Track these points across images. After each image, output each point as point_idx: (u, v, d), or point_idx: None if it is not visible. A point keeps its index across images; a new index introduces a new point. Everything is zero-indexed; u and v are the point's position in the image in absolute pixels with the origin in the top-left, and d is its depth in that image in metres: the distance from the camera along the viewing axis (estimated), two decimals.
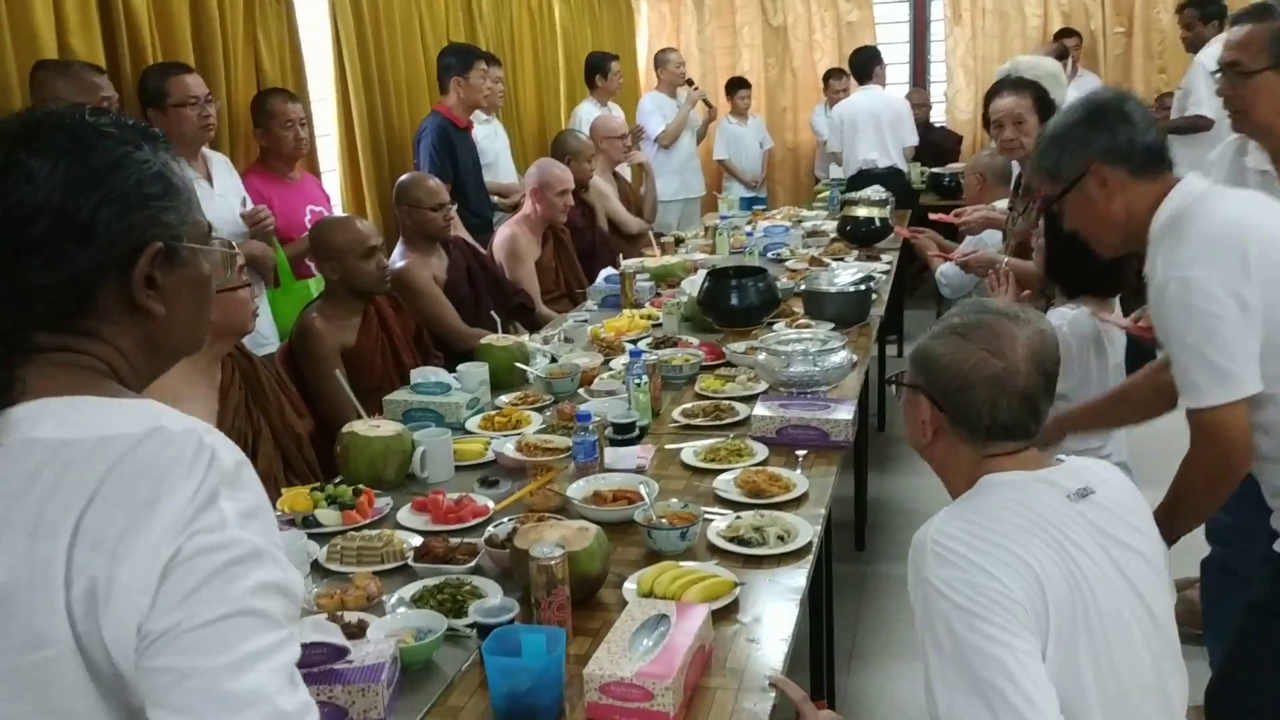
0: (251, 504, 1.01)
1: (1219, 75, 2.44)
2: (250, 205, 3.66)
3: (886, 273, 4.55)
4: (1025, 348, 1.59)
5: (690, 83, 7.40)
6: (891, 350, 6.33)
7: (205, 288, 1.16)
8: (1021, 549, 1.46)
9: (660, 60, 7.40)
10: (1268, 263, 1.81)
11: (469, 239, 4.52)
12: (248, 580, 0.97)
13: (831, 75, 7.97)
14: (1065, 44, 7.17)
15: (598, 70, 6.57)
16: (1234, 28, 2.35)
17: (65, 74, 2.78)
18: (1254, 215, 1.88)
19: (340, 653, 1.60)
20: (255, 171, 3.94)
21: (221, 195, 3.56)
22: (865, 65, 7.00)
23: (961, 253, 3.97)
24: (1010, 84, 3.82)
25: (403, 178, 4.07)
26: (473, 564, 2.02)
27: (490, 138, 5.50)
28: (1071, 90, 7.19)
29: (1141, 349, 3.48)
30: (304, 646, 1.57)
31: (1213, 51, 4.66)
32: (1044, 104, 3.66)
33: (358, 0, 4.64)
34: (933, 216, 4.45)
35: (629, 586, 1.91)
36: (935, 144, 7.78)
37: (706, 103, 7.50)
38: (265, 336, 3.65)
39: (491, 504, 2.34)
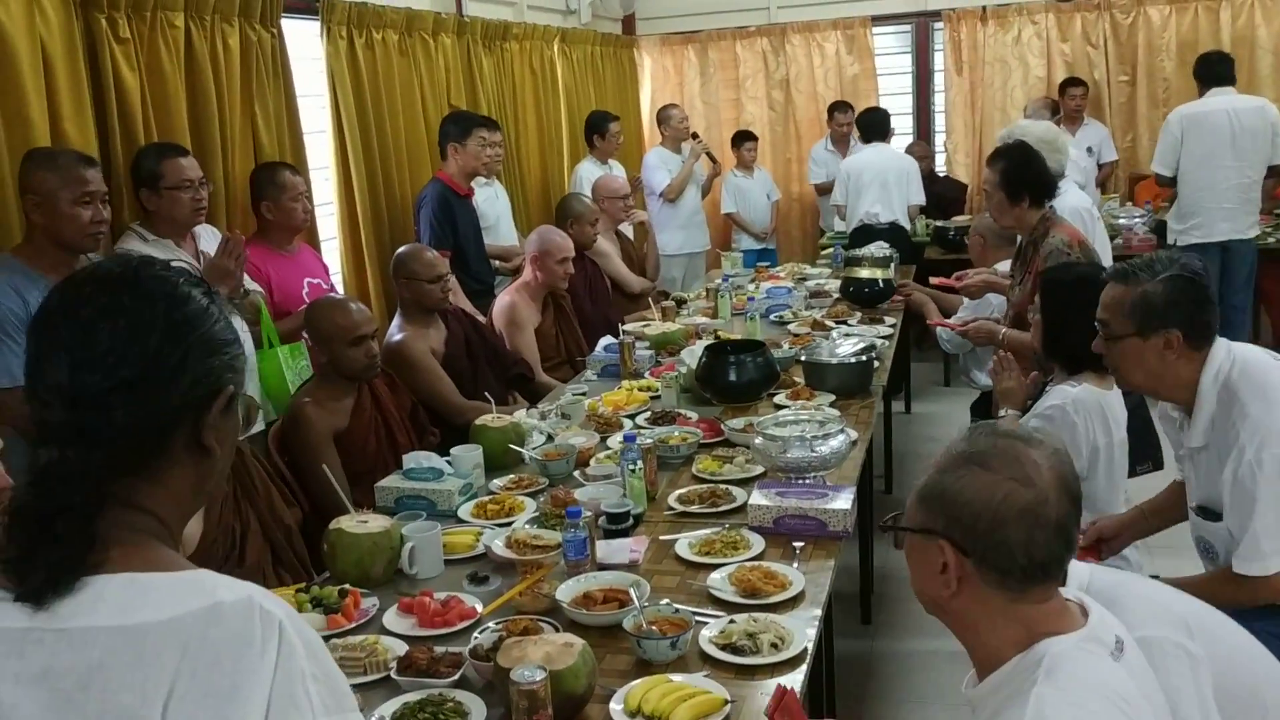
0: (325, 667, 1.05)
1: None
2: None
3: (890, 337, 4.50)
4: (1051, 472, 1.44)
5: (695, 136, 7.40)
6: (899, 407, 6.27)
7: (237, 433, 1.21)
8: None
9: (663, 117, 7.41)
10: None
11: (468, 308, 4.49)
12: None
13: (836, 109, 7.96)
14: (1055, 99, 7.16)
15: (596, 130, 6.58)
16: (1105, 287, 2.43)
17: (52, 165, 2.78)
18: None
19: None
20: (252, 245, 3.91)
21: None
22: (877, 125, 7.01)
23: (960, 319, 3.93)
24: (992, 154, 3.84)
25: (400, 250, 4.06)
26: (456, 677, 1.97)
27: (491, 200, 5.50)
28: (1081, 136, 7.21)
29: (1141, 417, 3.44)
30: None
31: None
32: (1009, 178, 3.64)
33: (356, 67, 4.65)
34: (934, 281, 4.40)
35: (615, 707, 1.85)
36: (940, 194, 7.75)
37: (710, 156, 7.50)
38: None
39: (480, 605, 2.29)
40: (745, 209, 7.99)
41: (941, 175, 8.29)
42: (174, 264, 1.18)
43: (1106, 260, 4.13)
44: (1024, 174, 3.63)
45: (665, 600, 2.21)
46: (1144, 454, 3.60)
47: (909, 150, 7.82)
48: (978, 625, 1.45)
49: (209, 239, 3.55)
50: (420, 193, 4.82)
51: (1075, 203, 4.08)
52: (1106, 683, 1.37)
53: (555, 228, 4.84)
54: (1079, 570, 1.68)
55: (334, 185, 4.63)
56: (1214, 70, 6.07)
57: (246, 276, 3.70)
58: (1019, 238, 3.98)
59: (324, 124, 4.61)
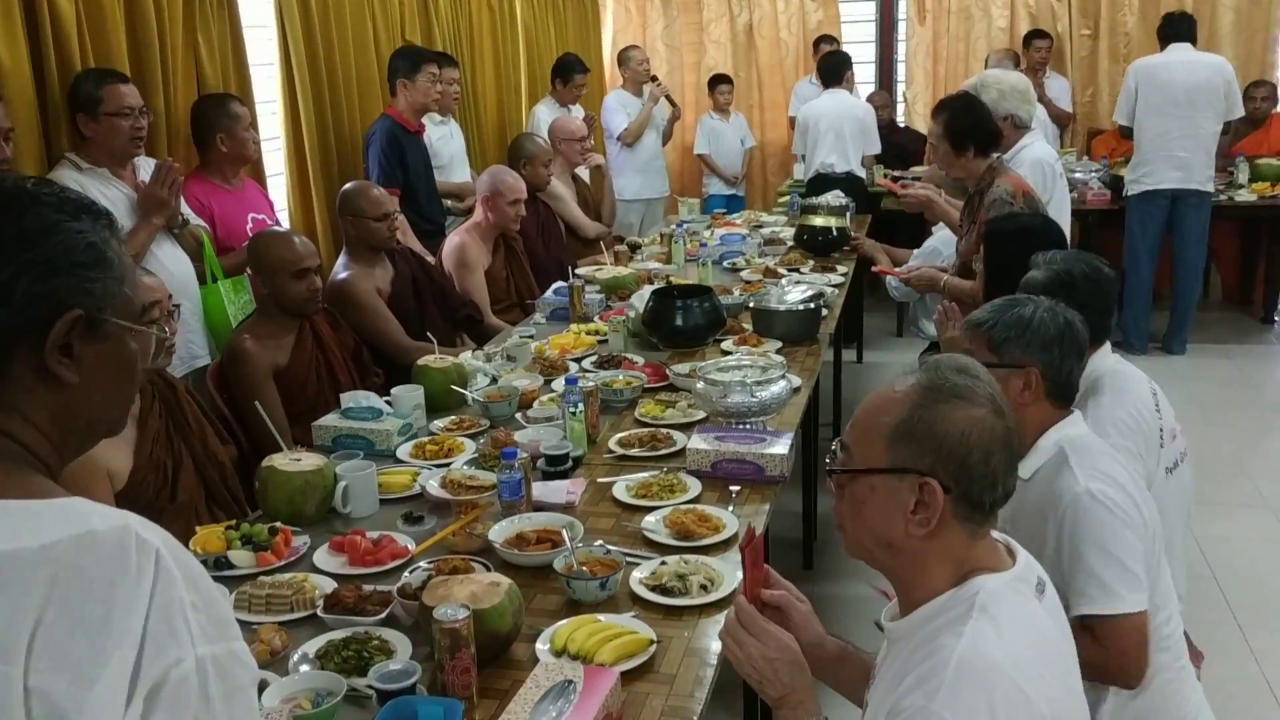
0: (206, 596, 1.01)
1: None
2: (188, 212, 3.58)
3: (840, 286, 4.50)
4: (1005, 402, 1.45)
5: (655, 79, 7.32)
6: (850, 356, 6.30)
7: (128, 367, 1.13)
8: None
9: (623, 58, 7.32)
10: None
11: (417, 247, 4.44)
12: (240, 699, 1.00)
13: (823, 40, 7.90)
14: (1017, 51, 7.14)
15: (561, 75, 6.48)
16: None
17: None
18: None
19: None
20: (195, 178, 3.84)
21: None
22: (835, 70, 6.95)
23: (908, 268, 3.94)
24: (937, 105, 3.86)
25: (346, 187, 3.98)
26: (383, 615, 1.96)
27: (445, 139, 5.41)
28: (1049, 88, 7.21)
29: None
30: None
31: None
32: (953, 128, 3.65)
33: None
34: (879, 181, 4.37)
35: (541, 646, 1.85)
36: (900, 145, 7.74)
37: (670, 100, 7.42)
38: (198, 348, 3.56)
39: (413, 545, 2.28)
40: (718, 153, 7.96)
41: (901, 126, 8.27)
42: (44, 183, 1.12)
43: (1065, 215, 4.14)
44: (968, 124, 3.64)
45: (599, 542, 2.21)
46: None
47: (870, 100, 7.79)
48: (928, 564, 1.42)
49: (150, 170, 3.46)
50: (369, 129, 4.73)
51: (1039, 155, 4.08)
52: (1033, 623, 1.40)
53: (508, 168, 4.77)
54: None
55: (281, 120, 4.53)
56: (1175, 28, 6.16)
57: (189, 210, 3.64)
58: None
59: (271, 56, 4.49)
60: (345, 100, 4.83)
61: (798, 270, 4.75)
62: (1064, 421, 2.07)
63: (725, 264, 4.96)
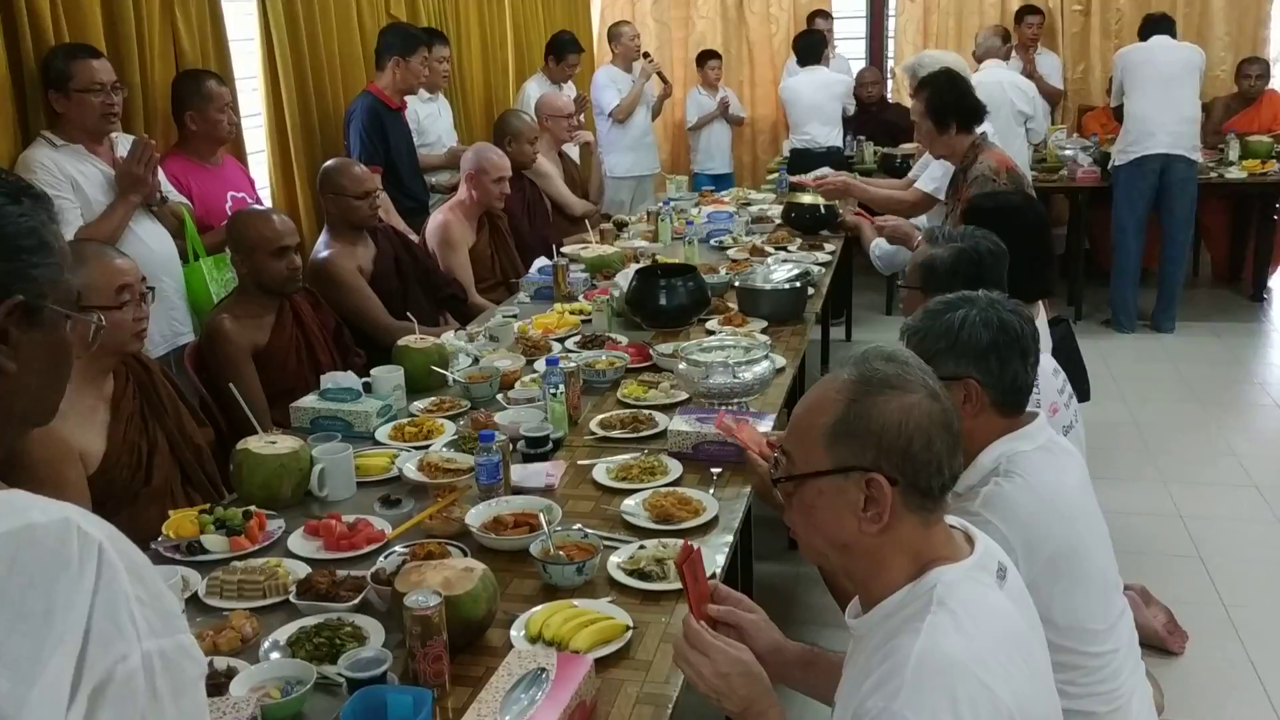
0: (152, 589, 0.97)
1: None
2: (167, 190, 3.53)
3: (828, 264, 4.47)
4: (939, 384, 1.42)
5: (646, 56, 7.25)
6: (839, 334, 6.27)
7: (63, 354, 1.10)
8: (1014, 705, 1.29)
9: (614, 34, 7.24)
10: None
11: (400, 225, 4.39)
12: (189, 692, 0.97)
13: (818, 15, 7.87)
14: (1007, 28, 7.10)
15: (555, 53, 6.42)
16: None
17: None
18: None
19: None
20: (174, 156, 3.78)
21: None
22: (812, 49, 6.94)
23: (882, 221, 3.98)
24: (918, 84, 3.87)
25: (327, 164, 3.93)
26: (356, 601, 1.93)
27: (433, 117, 5.35)
28: (1040, 65, 7.17)
29: (1068, 349, 3.46)
30: None
31: None
32: (934, 105, 3.65)
33: None
34: (797, 179, 4.34)
35: (515, 633, 1.83)
36: (889, 122, 7.67)
37: (661, 77, 7.35)
38: (181, 325, 3.52)
39: (389, 529, 2.25)
40: (706, 130, 7.91)
41: (891, 103, 8.21)
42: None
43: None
44: (950, 100, 3.61)
45: (577, 525, 2.18)
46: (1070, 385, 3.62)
47: (859, 76, 7.75)
48: (885, 559, 1.38)
49: (128, 148, 3.41)
50: (350, 105, 4.67)
51: None
52: (995, 613, 1.37)
53: (493, 145, 4.71)
54: None
55: (262, 96, 4.46)
56: (1155, 27, 6.31)
57: (171, 187, 3.58)
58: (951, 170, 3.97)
59: (252, 31, 4.43)
60: (328, 76, 4.77)
61: (785, 249, 4.72)
62: (1014, 434, 1.91)
63: (712, 242, 4.92)
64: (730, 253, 4.69)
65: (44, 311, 1.05)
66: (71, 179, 3.21)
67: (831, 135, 6.88)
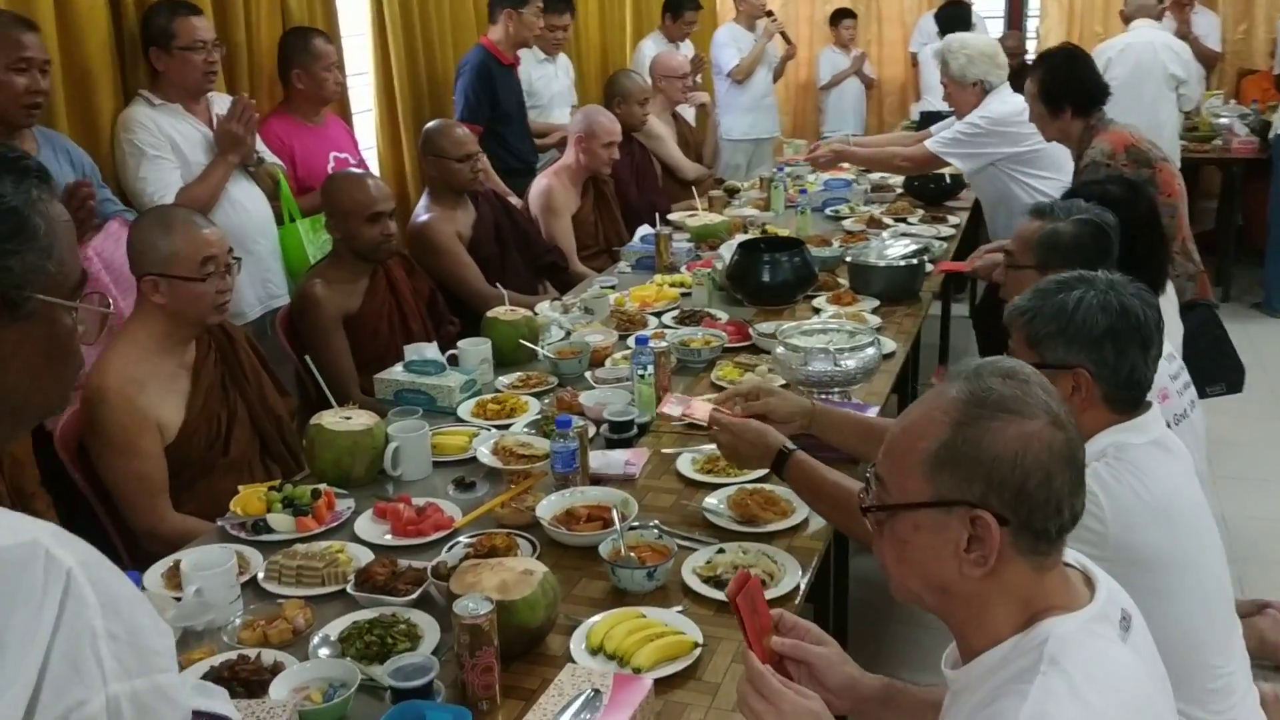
0: (130, 623, 0.88)
1: None
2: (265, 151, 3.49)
3: (951, 238, 4.20)
4: (1061, 405, 1.22)
5: (770, 14, 6.98)
6: (960, 310, 5.95)
7: (60, 345, 1.01)
8: None
9: None
10: None
11: (500, 188, 4.28)
12: None
13: None
14: None
15: (671, 9, 6.22)
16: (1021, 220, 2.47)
17: None
18: None
19: None
20: (277, 115, 3.75)
21: None
22: (957, 20, 6.59)
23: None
24: (1033, 63, 3.74)
25: (428, 125, 3.85)
26: (414, 597, 1.83)
27: (547, 79, 5.23)
28: (1196, 25, 6.66)
29: (1211, 336, 3.16)
30: None
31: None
32: (1047, 87, 3.41)
33: None
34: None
35: (576, 645, 1.70)
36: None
37: (785, 37, 7.07)
38: (276, 287, 3.49)
39: (459, 515, 2.14)
40: (837, 90, 7.63)
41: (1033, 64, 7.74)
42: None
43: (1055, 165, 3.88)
44: (1063, 81, 3.36)
45: (653, 522, 2.05)
46: (1214, 374, 3.31)
47: (1001, 42, 7.31)
48: (989, 607, 1.20)
49: (224, 107, 3.37)
50: (462, 59, 4.56)
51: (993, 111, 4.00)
52: (1118, 676, 1.16)
53: (602, 108, 4.56)
54: None
55: (370, 53, 4.40)
56: None
57: (267, 149, 3.55)
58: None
59: None
60: (438, 33, 4.68)
61: (905, 220, 4.46)
62: (1123, 425, 1.72)
63: (828, 211, 4.69)
64: (846, 224, 4.45)
65: (25, 303, 0.96)
66: (170, 138, 3.19)
67: None
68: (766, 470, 2.16)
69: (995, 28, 7.79)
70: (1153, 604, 1.57)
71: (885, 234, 4.01)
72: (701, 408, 2.23)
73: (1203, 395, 2.86)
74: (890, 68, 8.28)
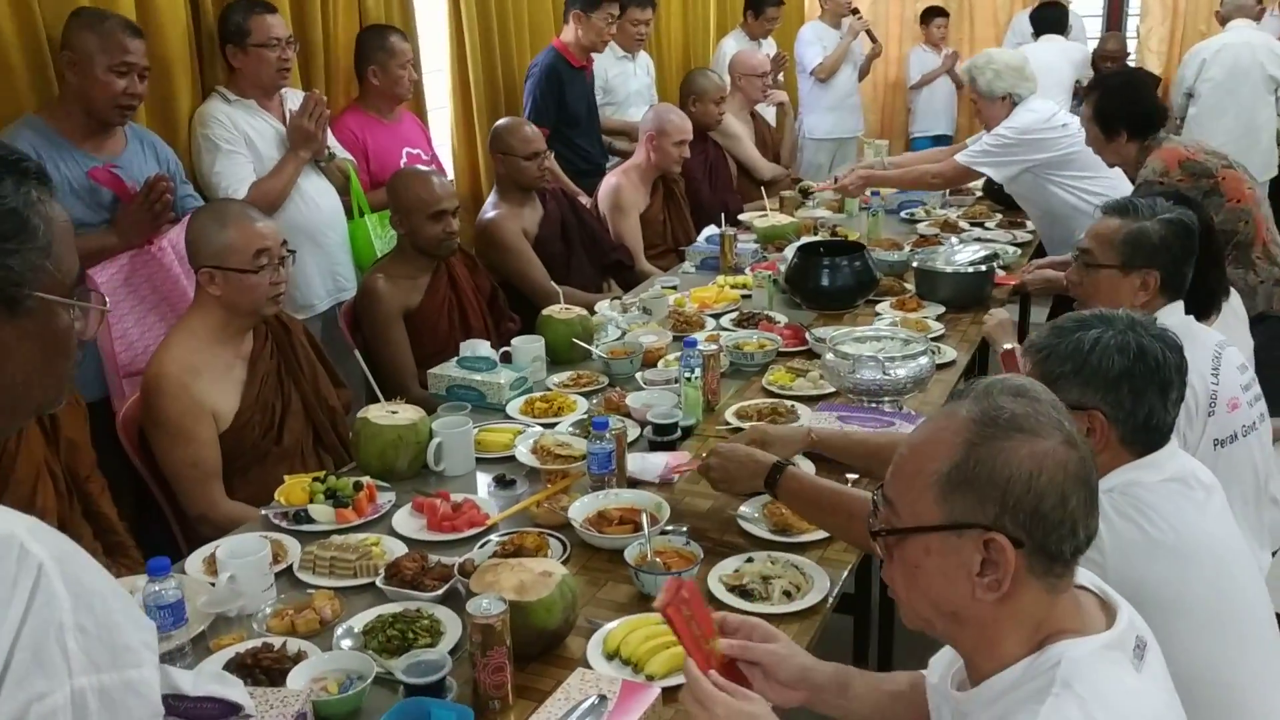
0: (103, 619, 0.90)
1: None
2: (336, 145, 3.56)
3: (1026, 244, 4.09)
4: (1072, 423, 1.19)
5: (855, 11, 6.88)
6: (1039, 315, 5.78)
7: (59, 342, 1.04)
8: None
9: None
10: None
11: (569, 186, 4.30)
12: None
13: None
14: None
15: (752, 7, 6.17)
16: (1099, 215, 2.41)
17: (96, 27, 2.67)
18: None
19: (233, 710, 1.45)
20: (351, 111, 3.82)
21: None
22: (1052, 22, 6.41)
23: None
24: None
25: (498, 123, 3.88)
26: (440, 593, 1.85)
27: (623, 77, 5.21)
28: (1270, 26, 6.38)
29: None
30: (193, 700, 1.44)
31: None
32: (1102, 110, 3.31)
33: None
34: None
35: (593, 649, 1.70)
36: None
37: (870, 35, 6.97)
38: (345, 280, 3.55)
39: (495, 512, 2.16)
40: (928, 90, 7.51)
41: (1133, 67, 7.48)
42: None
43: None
44: (1119, 104, 3.28)
45: (685, 528, 2.03)
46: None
47: (1100, 48, 7.08)
48: (1001, 631, 1.17)
49: (297, 103, 3.45)
50: (533, 60, 4.59)
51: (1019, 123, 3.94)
52: (1131, 702, 1.13)
53: (674, 107, 4.54)
54: None
55: (447, 50, 4.46)
56: None
57: (338, 144, 3.61)
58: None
59: None
60: (515, 30, 4.71)
61: (981, 225, 4.36)
62: (1135, 463, 1.64)
63: (903, 214, 4.61)
64: (920, 227, 4.37)
65: (24, 301, 0.98)
66: (245, 134, 3.27)
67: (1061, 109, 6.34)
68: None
69: (1093, 28, 7.56)
70: (1164, 647, 1.52)
71: (956, 239, 3.92)
72: (679, 457, 2.31)
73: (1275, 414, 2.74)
74: None
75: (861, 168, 4.37)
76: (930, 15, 7.47)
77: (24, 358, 1.01)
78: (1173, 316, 2.23)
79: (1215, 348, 2.21)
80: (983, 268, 3.38)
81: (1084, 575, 1.25)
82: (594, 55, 4.75)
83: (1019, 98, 3.88)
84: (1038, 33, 6.66)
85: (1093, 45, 7.17)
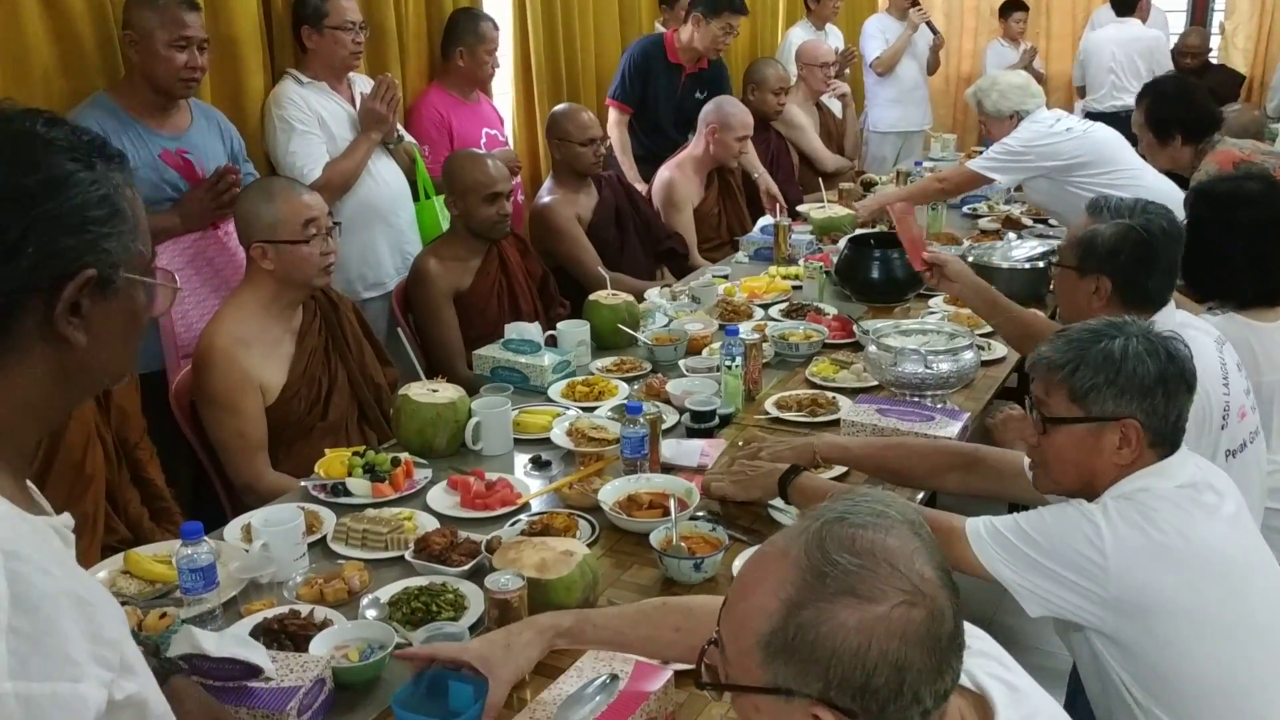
0: (44, 624, 0.88)
1: None
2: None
3: None
4: (926, 560, 1.01)
5: (915, 4, 6.78)
6: None
7: (137, 320, 1.07)
8: None
9: None
10: None
11: (630, 171, 4.31)
12: None
13: None
14: None
15: None
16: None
17: (154, 5, 2.73)
18: None
19: (254, 672, 1.49)
20: (436, 88, 3.89)
21: None
22: (1127, 6, 6.23)
23: None
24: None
25: (555, 109, 3.91)
26: (467, 568, 1.87)
27: None
28: None
29: None
30: (216, 660, 1.48)
31: None
32: (1155, 115, 3.31)
33: None
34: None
35: None
36: (1211, 90, 6.78)
37: (931, 27, 6.85)
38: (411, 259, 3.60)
39: (527, 492, 2.18)
40: None
41: (1215, 64, 7.28)
42: (77, 123, 1.03)
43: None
44: (1173, 109, 3.26)
45: (712, 514, 2.04)
46: None
47: (1182, 42, 6.89)
48: None
49: (365, 87, 3.50)
50: (639, 39, 4.67)
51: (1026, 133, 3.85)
52: None
53: (736, 100, 4.52)
54: None
55: (510, 36, 4.48)
56: None
57: (405, 131, 3.66)
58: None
59: None
60: (579, 17, 4.73)
61: (1045, 222, 4.27)
62: (1146, 470, 1.61)
63: (965, 209, 4.54)
64: (981, 222, 4.30)
65: (117, 281, 1.01)
66: (318, 114, 3.32)
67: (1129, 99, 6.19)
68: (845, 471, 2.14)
69: (1176, 23, 7.36)
70: (1172, 657, 1.49)
71: (1015, 235, 3.86)
72: (716, 444, 2.35)
73: None
74: (1058, 62, 7.94)
75: (875, 198, 4.30)
76: (1009, 9, 7.34)
77: (110, 337, 1.03)
78: (1170, 320, 2.14)
79: (1219, 354, 2.13)
80: (1039, 264, 3.32)
81: (974, 673, 1.15)
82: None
83: (1026, 113, 3.86)
84: (1118, 12, 6.49)
85: (1174, 40, 6.98)
